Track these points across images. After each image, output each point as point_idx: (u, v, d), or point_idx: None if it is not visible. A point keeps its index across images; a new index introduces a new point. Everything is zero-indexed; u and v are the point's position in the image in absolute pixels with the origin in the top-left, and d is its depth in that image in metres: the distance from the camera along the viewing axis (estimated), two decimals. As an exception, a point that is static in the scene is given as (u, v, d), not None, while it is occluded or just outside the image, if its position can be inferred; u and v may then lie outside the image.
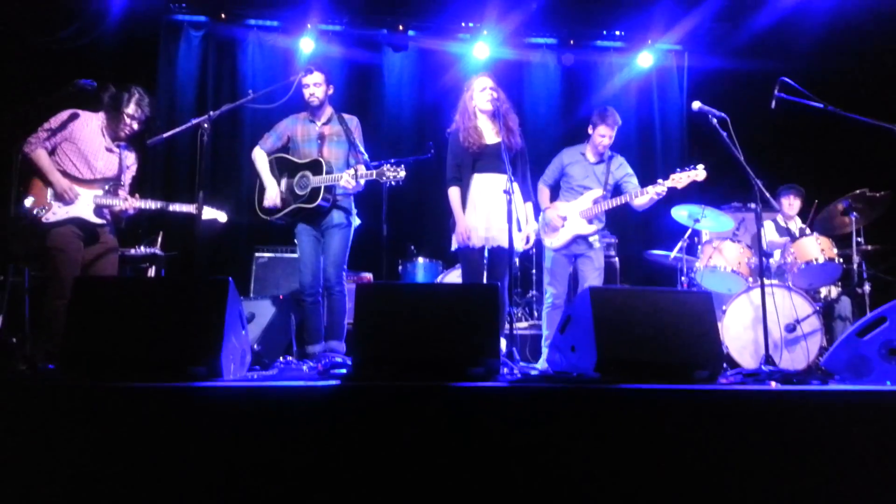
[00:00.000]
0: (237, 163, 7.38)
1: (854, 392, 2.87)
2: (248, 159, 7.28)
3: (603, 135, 5.00)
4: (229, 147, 7.34)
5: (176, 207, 4.45)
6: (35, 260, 4.32)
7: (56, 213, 4.16)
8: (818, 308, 5.08)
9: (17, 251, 4.25)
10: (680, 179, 4.81)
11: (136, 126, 4.40)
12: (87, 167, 4.29)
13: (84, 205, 4.23)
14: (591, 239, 4.97)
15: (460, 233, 4.42)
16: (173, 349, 2.80)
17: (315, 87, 4.65)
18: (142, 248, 5.32)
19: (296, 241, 4.74)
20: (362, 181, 4.43)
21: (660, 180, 4.84)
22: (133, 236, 5.33)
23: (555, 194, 5.20)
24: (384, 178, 4.33)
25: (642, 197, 4.88)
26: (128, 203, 4.34)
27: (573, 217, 4.93)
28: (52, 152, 4.23)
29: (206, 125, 3.80)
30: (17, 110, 4.16)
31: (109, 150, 4.40)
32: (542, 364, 4.65)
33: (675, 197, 7.07)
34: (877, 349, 3.22)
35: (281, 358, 4.53)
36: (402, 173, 4.32)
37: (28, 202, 4.16)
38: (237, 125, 7.40)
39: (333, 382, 2.75)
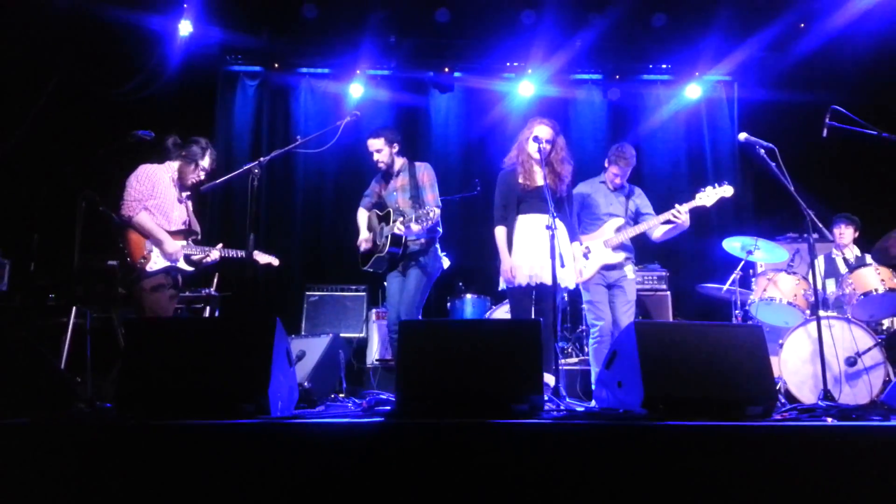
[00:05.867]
0: (291, 205, 7.61)
1: (917, 428, 2.75)
2: (300, 201, 7.62)
3: (616, 174, 5.08)
4: (283, 190, 7.58)
5: (260, 257, 4.71)
6: (122, 304, 4.59)
7: (157, 262, 4.45)
8: (880, 340, 4.89)
9: (101, 295, 4.53)
10: (708, 196, 4.80)
11: (202, 177, 4.66)
12: (166, 220, 4.55)
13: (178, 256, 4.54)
14: (625, 268, 4.93)
15: (505, 271, 4.46)
16: (223, 387, 2.87)
17: (378, 153, 4.86)
18: (201, 289, 5.50)
19: (385, 282, 5.00)
20: (413, 226, 4.52)
21: (676, 205, 4.80)
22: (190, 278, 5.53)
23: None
24: (421, 221, 4.47)
25: (662, 226, 4.90)
26: (212, 255, 4.60)
27: (597, 248, 4.88)
28: (148, 211, 4.51)
29: (256, 170, 3.93)
30: (79, 160, 4.41)
31: (180, 201, 4.67)
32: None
33: (727, 229, 7.02)
34: (941, 383, 3.07)
35: (331, 395, 4.57)
36: (432, 214, 4.45)
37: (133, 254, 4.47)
38: (290, 169, 7.65)
39: (377, 420, 2.76)
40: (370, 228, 4.99)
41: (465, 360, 2.94)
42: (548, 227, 3.91)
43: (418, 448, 2.54)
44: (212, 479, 2.46)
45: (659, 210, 5.03)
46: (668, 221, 4.84)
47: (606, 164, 5.16)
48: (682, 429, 2.63)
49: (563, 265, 4.09)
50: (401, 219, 4.60)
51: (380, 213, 4.95)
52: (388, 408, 3.27)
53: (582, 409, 3.50)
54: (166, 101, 6.71)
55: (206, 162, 4.62)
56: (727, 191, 4.83)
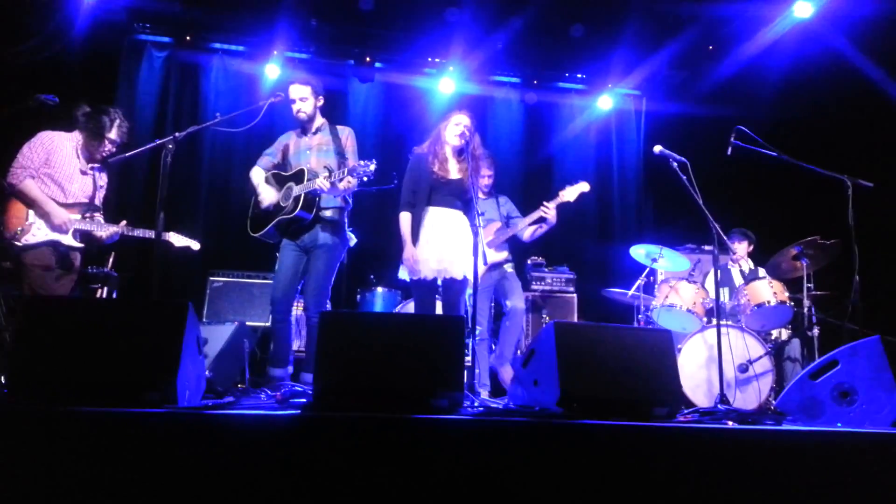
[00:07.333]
0: (195, 185, 7.30)
1: (807, 433, 2.94)
2: (205, 181, 7.29)
3: (488, 174, 5.48)
4: (187, 170, 7.22)
5: (171, 238, 4.44)
6: (2, 279, 4.25)
7: (35, 234, 4.14)
8: (770, 349, 5.21)
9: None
10: (568, 193, 5.22)
11: (112, 149, 4.38)
12: (61, 191, 4.26)
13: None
14: (505, 266, 5.39)
15: (406, 259, 4.34)
16: (127, 373, 2.69)
17: (301, 101, 4.49)
18: (92, 267, 5.16)
19: (277, 254, 4.54)
20: (339, 183, 4.21)
21: (544, 202, 5.18)
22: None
23: None
24: (355, 173, 4.17)
25: (531, 227, 5.36)
26: (109, 231, 4.29)
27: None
28: (34, 180, 4.20)
29: (170, 146, 3.73)
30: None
31: (84, 173, 4.37)
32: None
33: (629, 237, 7.30)
34: (829, 391, 3.30)
35: (238, 385, 4.41)
36: (373, 166, 4.13)
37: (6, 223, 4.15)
38: (196, 148, 7.31)
39: (293, 412, 2.68)
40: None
41: (385, 354, 2.90)
42: (472, 225, 3.92)
43: (335, 441, 2.48)
44: (113, 471, 2.31)
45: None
46: (538, 220, 5.24)
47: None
48: (595, 427, 2.70)
49: (486, 263, 4.10)
50: (325, 174, 4.23)
51: (284, 174, 4.56)
52: (305, 400, 3.18)
53: (498, 406, 3.53)
54: (67, 65, 6.27)
55: (113, 134, 4.35)
56: (584, 186, 5.27)
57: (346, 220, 4.58)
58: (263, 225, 4.50)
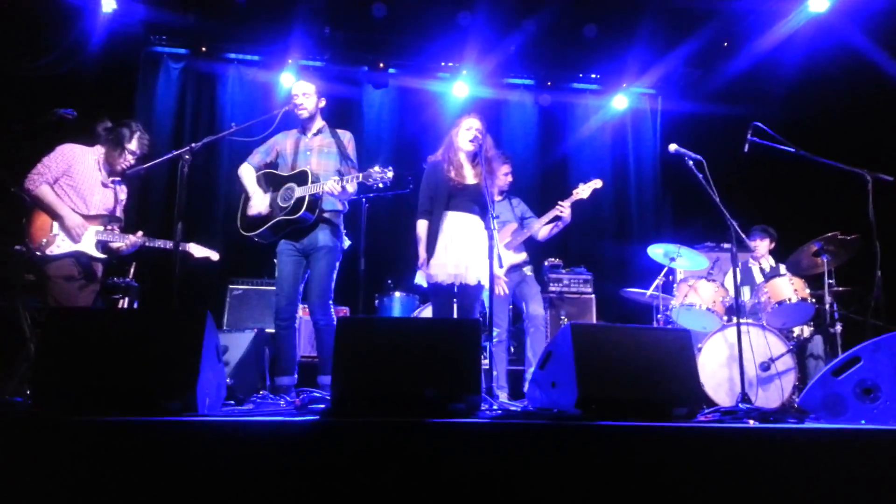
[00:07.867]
0: (213, 195, 7.36)
1: (830, 431, 2.90)
2: (224, 192, 7.35)
3: (506, 173, 5.44)
4: (205, 180, 7.30)
5: (191, 249, 4.50)
6: (27, 291, 4.33)
7: (60, 245, 4.21)
8: (792, 347, 5.15)
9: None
10: (583, 191, 5.19)
11: (132, 161, 4.46)
12: (83, 203, 4.34)
13: (87, 240, 4.29)
14: (524, 269, 5.37)
15: (421, 265, 4.36)
16: (147, 382, 2.73)
17: (304, 97, 4.47)
18: (114, 278, 5.24)
19: (276, 260, 4.51)
20: (349, 186, 4.20)
21: (559, 202, 5.15)
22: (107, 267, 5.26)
23: None
24: (371, 179, 4.13)
25: (546, 226, 5.27)
26: (129, 241, 4.38)
27: (501, 251, 4.97)
28: (51, 187, 4.28)
29: (187, 156, 3.77)
30: (-5, 137, 4.16)
31: (105, 185, 4.45)
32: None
33: (647, 237, 7.26)
34: (851, 388, 3.25)
35: (256, 392, 4.44)
36: (390, 174, 4.12)
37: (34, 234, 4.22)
38: (214, 158, 7.39)
39: (311, 418, 2.70)
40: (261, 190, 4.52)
41: (403, 359, 2.91)
42: (487, 229, 3.91)
43: (354, 447, 2.49)
44: (134, 479, 2.34)
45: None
46: (554, 219, 5.20)
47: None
48: (614, 429, 2.68)
49: (501, 265, 4.10)
50: (335, 177, 4.21)
51: (280, 174, 4.50)
52: (323, 406, 3.20)
53: (516, 408, 3.53)
54: (85, 79, 6.37)
55: (133, 145, 4.43)
56: (597, 183, 5.26)
57: (342, 222, 4.57)
58: (258, 224, 4.44)
